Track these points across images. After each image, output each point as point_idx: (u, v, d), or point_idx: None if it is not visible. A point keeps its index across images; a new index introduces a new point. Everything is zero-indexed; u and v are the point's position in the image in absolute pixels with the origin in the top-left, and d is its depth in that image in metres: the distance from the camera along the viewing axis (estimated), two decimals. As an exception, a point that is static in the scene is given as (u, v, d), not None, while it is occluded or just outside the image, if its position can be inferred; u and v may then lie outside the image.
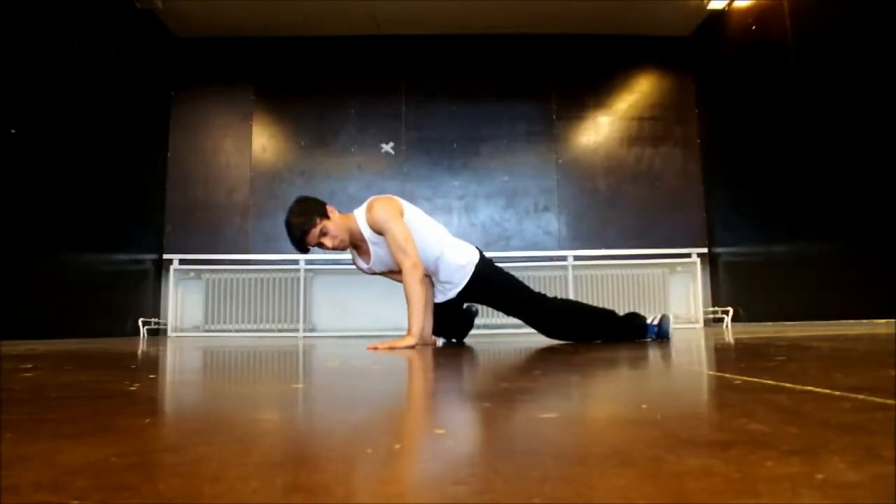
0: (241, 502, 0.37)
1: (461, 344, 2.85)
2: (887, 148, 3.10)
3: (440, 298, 2.73)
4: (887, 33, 3.11)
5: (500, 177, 5.22)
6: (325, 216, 2.50)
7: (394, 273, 2.72)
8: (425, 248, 2.57)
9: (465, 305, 2.92)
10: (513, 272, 2.79)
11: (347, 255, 2.87)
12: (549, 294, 2.78)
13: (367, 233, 2.54)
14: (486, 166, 5.24)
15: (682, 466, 0.43)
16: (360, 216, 2.56)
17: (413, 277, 2.45)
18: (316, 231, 2.46)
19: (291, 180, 5.18)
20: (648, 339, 2.54)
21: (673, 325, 2.58)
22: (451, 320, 2.87)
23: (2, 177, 3.15)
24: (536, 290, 2.76)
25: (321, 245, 2.51)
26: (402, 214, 2.53)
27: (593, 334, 2.59)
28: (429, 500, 0.38)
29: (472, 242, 2.84)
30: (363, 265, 2.71)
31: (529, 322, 2.70)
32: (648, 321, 2.57)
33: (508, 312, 2.76)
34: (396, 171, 5.21)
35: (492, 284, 2.70)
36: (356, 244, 2.64)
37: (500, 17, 5.09)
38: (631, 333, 2.56)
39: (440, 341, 2.94)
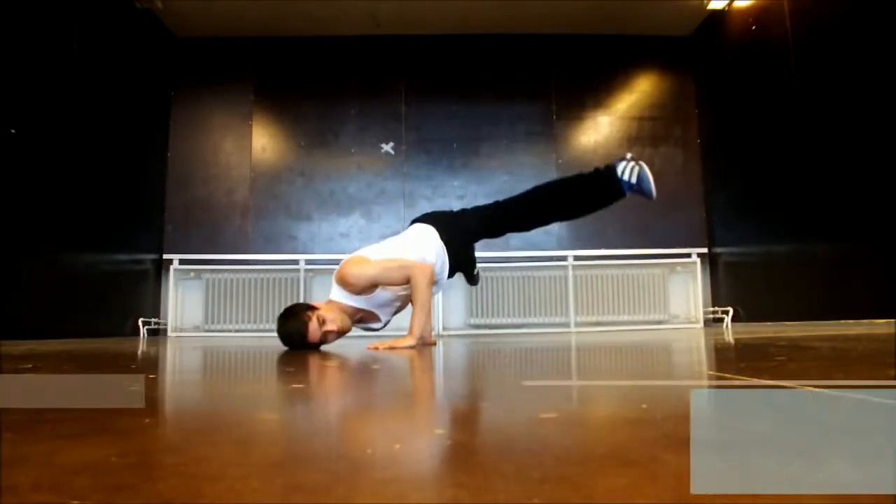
0: (241, 502, 0.37)
1: (474, 277, 3.11)
2: (887, 148, 3.09)
3: (436, 290, 2.73)
4: (887, 33, 3.11)
5: (500, 177, 5.22)
6: (312, 308, 2.42)
7: (405, 294, 2.60)
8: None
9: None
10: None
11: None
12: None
13: (361, 301, 2.48)
14: (486, 166, 5.24)
15: (682, 466, 0.43)
16: (341, 296, 2.47)
17: (424, 280, 2.44)
18: (314, 324, 2.34)
19: (291, 180, 5.18)
20: (627, 196, 2.57)
21: (652, 180, 2.51)
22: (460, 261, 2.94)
23: (2, 177, 3.15)
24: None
25: (326, 336, 2.39)
26: (368, 260, 2.50)
27: (570, 209, 2.69)
28: (429, 500, 0.38)
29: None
30: (377, 325, 2.63)
31: (511, 230, 2.83)
32: (620, 173, 2.55)
33: (494, 236, 2.86)
34: (396, 171, 5.20)
35: (464, 243, 2.79)
36: (359, 319, 2.56)
37: (500, 17, 5.08)
38: (606, 194, 2.61)
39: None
